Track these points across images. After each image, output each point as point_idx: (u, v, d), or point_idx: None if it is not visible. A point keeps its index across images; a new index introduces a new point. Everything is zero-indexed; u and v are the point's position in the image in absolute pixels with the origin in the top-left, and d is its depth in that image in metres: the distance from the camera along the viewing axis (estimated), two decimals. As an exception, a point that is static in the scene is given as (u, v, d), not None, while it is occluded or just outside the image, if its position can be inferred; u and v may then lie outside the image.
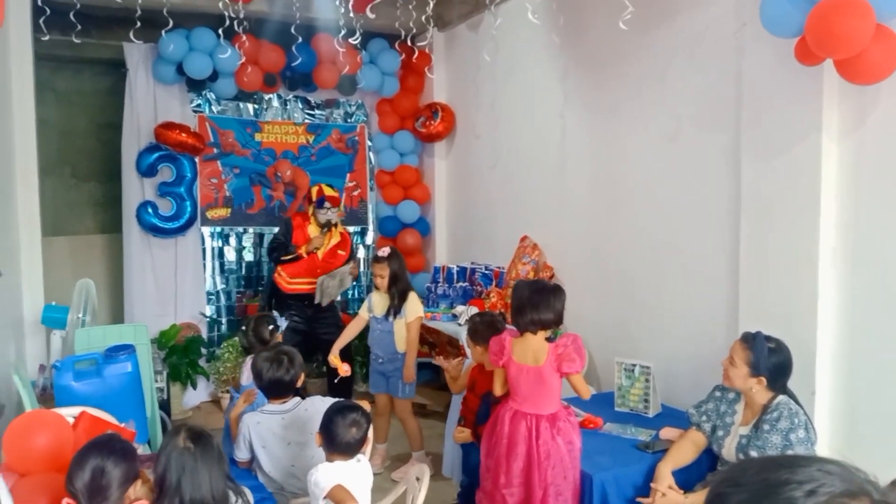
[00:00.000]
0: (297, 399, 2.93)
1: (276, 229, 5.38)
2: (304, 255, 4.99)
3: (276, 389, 2.89)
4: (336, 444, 2.41)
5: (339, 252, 5.14)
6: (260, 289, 5.83)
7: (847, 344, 2.86)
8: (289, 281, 5.05)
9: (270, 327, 3.63)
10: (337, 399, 2.70)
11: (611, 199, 4.21)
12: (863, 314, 2.80)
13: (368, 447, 2.57)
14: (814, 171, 2.84)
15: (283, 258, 5.05)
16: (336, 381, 4.21)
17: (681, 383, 3.57)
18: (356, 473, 2.43)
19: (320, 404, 2.93)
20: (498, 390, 2.94)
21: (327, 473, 2.36)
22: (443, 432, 4.77)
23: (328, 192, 5.10)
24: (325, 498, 2.32)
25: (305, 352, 4.21)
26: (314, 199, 5.07)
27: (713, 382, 2.92)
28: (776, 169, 3.00)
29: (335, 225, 5.12)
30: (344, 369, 4.02)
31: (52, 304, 4.48)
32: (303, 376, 2.99)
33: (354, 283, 5.90)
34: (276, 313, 3.80)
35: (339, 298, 5.79)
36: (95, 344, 3.65)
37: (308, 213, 5.15)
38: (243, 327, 3.68)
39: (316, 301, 4.98)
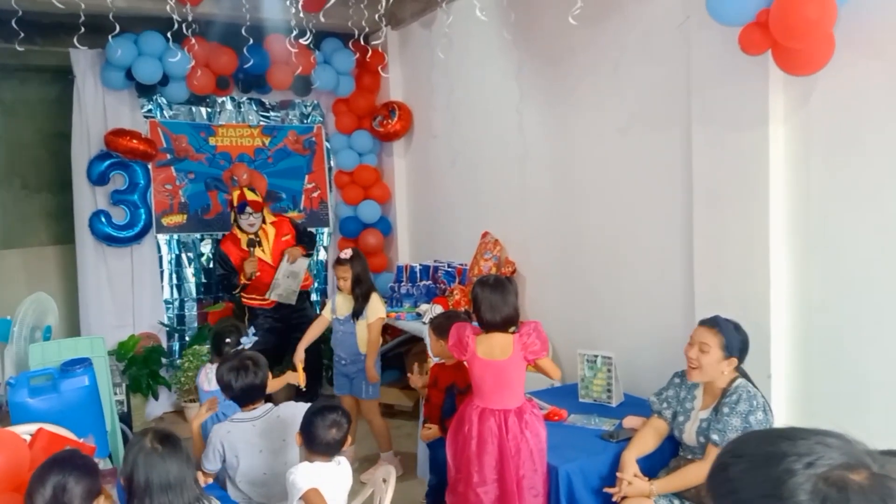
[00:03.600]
0: (269, 405, 2.91)
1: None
2: (248, 281, 4.91)
3: (248, 396, 2.88)
4: (316, 444, 2.42)
5: (283, 239, 5.07)
6: (220, 295, 5.75)
7: (801, 326, 2.92)
8: (255, 298, 5.00)
9: (227, 340, 3.58)
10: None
11: (569, 193, 4.24)
12: (816, 296, 2.86)
13: (348, 448, 2.56)
14: (762, 156, 2.90)
15: (234, 292, 5.00)
16: (301, 389, 4.15)
17: (642, 372, 3.62)
18: (335, 476, 2.43)
19: (293, 409, 2.92)
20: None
21: (305, 475, 2.36)
22: (411, 431, 4.79)
23: (250, 196, 4.95)
24: (299, 499, 2.32)
25: (278, 353, 4.17)
26: (235, 204, 4.95)
27: (673, 370, 2.97)
28: (725, 156, 3.05)
29: (263, 223, 5.01)
30: (300, 378, 3.86)
31: (7, 318, 4.36)
32: (270, 376, 2.97)
33: (315, 277, 5.90)
34: (252, 330, 3.72)
35: (314, 299, 5.82)
36: (51, 359, 3.56)
37: (232, 225, 5.01)
38: (216, 333, 3.65)
39: (282, 302, 4.96)
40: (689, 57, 3.23)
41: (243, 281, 4.90)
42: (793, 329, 2.95)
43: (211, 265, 5.82)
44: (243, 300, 5.06)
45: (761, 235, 2.94)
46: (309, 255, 5.19)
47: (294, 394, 5.05)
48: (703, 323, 2.76)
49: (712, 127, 3.11)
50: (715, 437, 2.63)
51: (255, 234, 4.95)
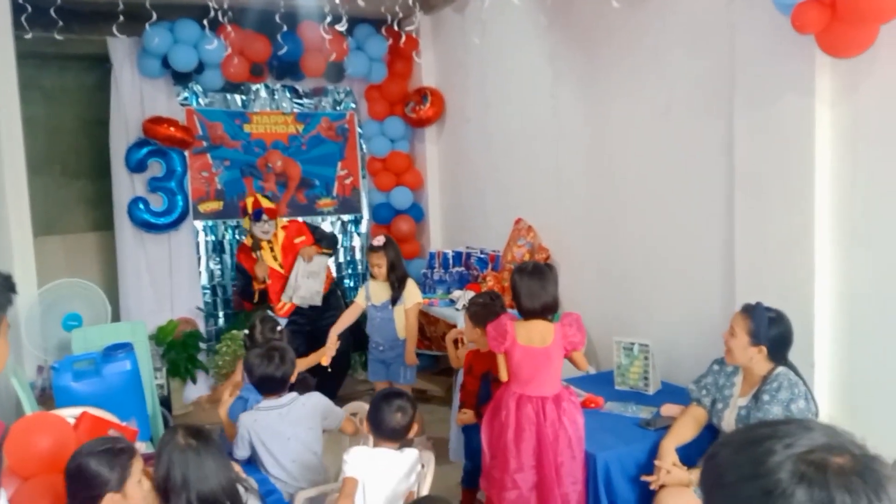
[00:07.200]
0: (294, 394, 2.91)
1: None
2: (265, 286, 4.87)
3: (267, 386, 2.87)
4: (382, 429, 2.48)
5: (297, 241, 4.94)
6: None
7: (845, 316, 2.86)
8: (278, 309, 4.91)
9: (279, 328, 3.58)
10: (388, 390, 2.74)
11: (605, 179, 4.19)
12: (861, 285, 2.80)
13: (413, 434, 2.58)
14: (807, 141, 2.83)
15: (254, 301, 4.96)
16: (328, 369, 4.15)
17: (680, 360, 3.58)
18: (392, 462, 2.47)
19: (317, 398, 2.93)
20: (504, 375, 2.94)
21: (355, 462, 2.42)
22: (444, 417, 4.80)
23: (265, 203, 4.85)
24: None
25: (310, 351, 4.13)
26: (250, 210, 4.84)
27: (712, 357, 2.93)
28: (769, 139, 2.99)
29: (274, 235, 4.89)
30: (326, 357, 3.91)
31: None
32: (296, 373, 2.96)
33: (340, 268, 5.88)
34: (270, 313, 3.69)
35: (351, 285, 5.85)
36: (93, 343, 3.64)
37: (247, 233, 4.93)
38: (246, 331, 3.61)
39: (306, 304, 4.90)
40: (733, 39, 3.15)
41: (258, 286, 4.85)
42: (836, 318, 2.89)
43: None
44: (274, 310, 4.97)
45: (805, 221, 2.87)
46: (328, 254, 5.06)
47: (316, 383, 5.05)
48: (742, 307, 2.73)
49: (756, 111, 3.04)
50: (755, 426, 2.59)
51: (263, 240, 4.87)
